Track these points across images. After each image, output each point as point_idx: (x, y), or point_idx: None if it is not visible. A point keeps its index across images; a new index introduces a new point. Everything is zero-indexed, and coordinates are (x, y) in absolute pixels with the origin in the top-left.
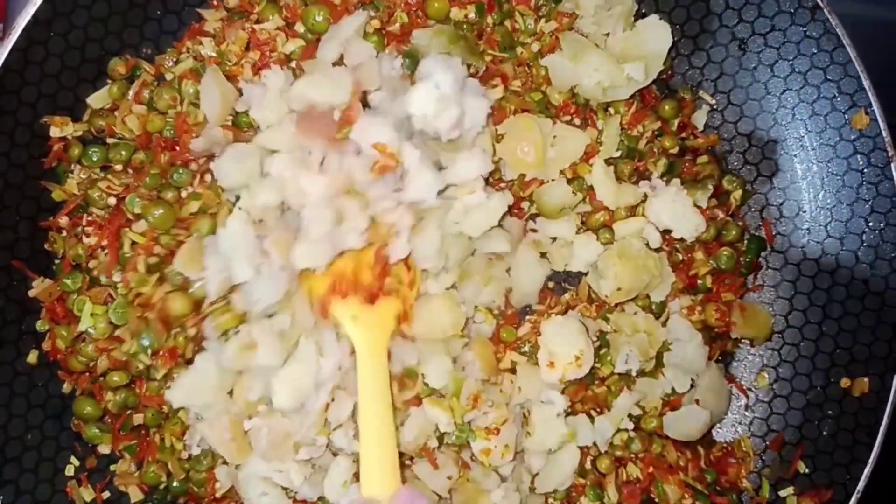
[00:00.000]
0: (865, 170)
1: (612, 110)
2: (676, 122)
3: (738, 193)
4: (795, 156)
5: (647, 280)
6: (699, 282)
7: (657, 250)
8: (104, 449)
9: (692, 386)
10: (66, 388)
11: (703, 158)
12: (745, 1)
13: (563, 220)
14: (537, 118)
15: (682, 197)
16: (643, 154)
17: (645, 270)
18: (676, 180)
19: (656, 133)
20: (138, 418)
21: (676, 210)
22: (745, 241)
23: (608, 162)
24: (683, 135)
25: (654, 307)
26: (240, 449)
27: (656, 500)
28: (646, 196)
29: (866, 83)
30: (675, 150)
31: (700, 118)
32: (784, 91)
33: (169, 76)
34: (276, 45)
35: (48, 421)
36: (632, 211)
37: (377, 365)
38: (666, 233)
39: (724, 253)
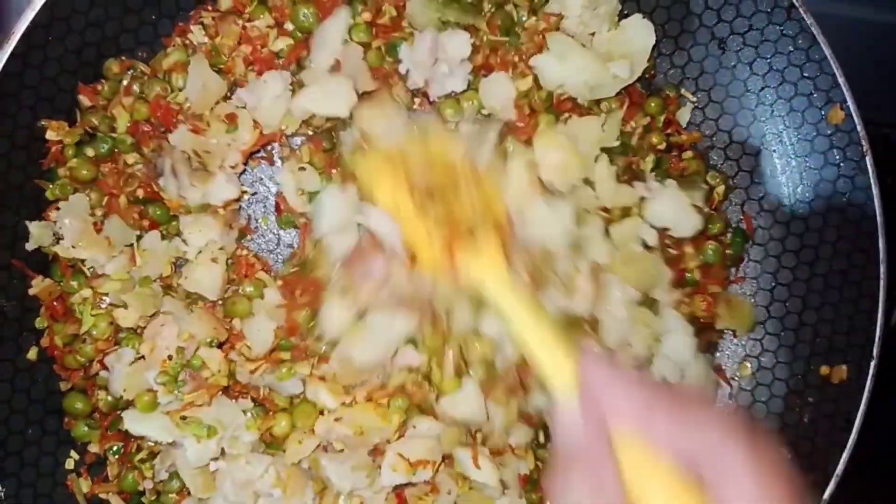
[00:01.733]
0: (842, 164)
1: (610, 105)
2: (662, 118)
3: (721, 188)
4: (774, 151)
5: (651, 285)
6: (688, 275)
7: (650, 249)
8: (93, 448)
9: (682, 377)
10: (64, 386)
11: (689, 154)
12: (724, 1)
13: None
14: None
15: (682, 197)
16: (635, 150)
17: (647, 275)
18: (672, 181)
19: (644, 129)
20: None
21: (677, 210)
22: (730, 235)
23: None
24: (669, 131)
25: (648, 303)
26: (206, 484)
27: None
28: (641, 198)
29: (841, 80)
30: (662, 147)
31: (683, 115)
32: (762, 88)
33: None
34: (268, 41)
35: (48, 416)
36: (625, 212)
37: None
38: (659, 230)
39: (710, 246)
